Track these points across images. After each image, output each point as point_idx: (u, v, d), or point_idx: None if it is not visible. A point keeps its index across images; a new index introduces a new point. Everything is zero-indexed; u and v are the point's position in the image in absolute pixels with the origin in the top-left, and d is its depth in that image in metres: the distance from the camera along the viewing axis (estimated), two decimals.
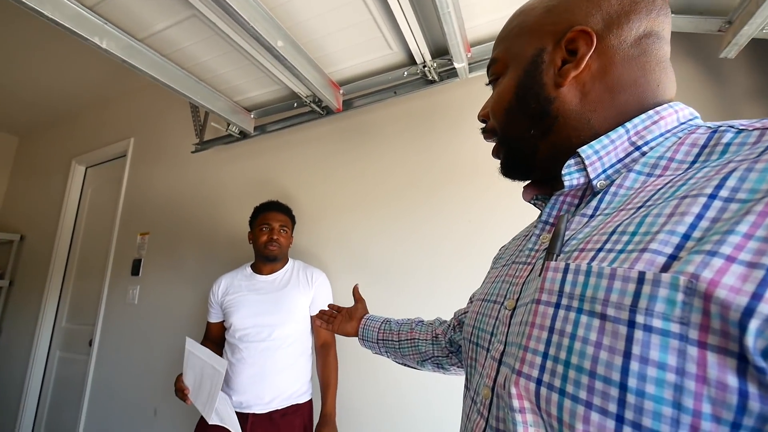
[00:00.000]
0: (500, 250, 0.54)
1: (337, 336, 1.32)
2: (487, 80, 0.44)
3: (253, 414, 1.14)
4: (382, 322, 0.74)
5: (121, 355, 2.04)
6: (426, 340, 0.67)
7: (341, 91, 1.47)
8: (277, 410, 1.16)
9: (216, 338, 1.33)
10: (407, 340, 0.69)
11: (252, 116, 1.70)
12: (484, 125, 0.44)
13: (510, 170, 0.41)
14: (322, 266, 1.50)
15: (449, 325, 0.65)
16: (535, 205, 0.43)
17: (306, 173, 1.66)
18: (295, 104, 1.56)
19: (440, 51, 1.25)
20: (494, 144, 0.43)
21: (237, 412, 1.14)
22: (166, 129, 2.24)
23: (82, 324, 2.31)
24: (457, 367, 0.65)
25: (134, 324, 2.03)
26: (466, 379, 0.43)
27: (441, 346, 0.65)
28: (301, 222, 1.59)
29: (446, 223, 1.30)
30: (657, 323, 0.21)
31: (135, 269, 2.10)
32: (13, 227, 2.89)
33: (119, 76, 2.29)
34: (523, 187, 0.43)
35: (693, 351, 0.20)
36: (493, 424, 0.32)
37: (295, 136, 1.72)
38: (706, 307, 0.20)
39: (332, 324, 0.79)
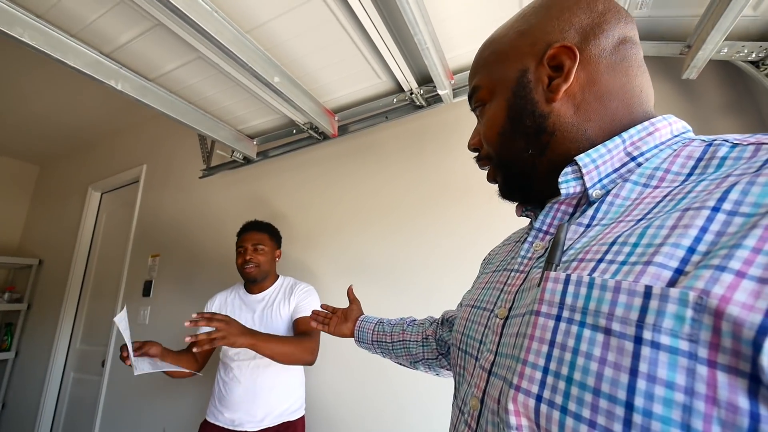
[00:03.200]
0: (489, 253, 0.54)
1: (330, 339, 1.35)
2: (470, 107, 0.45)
3: None
4: (375, 324, 0.75)
5: (132, 374, 2.10)
6: (416, 341, 0.68)
7: (336, 118, 1.57)
8: (269, 428, 1.17)
9: (205, 353, 1.32)
10: (399, 341, 0.70)
11: (255, 143, 1.81)
12: (476, 153, 0.44)
13: (509, 192, 0.41)
14: (319, 281, 1.56)
15: (437, 323, 0.67)
16: (526, 216, 0.42)
17: (305, 193, 1.75)
18: (294, 131, 1.66)
19: (426, 79, 1.34)
20: (489, 171, 0.43)
21: (230, 430, 1.16)
22: (175, 156, 2.37)
23: (96, 345, 2.39)
24: (447, 369, 0.67)
25: None
26: (455, 387, 0.42)
27: (431, 347, 0.66)
28: (299, 238, 1.66)
29: (437, 239, 1.36)
30: (665, 340, 0.21)
31: (146, 290, 2.19)
32: (33, 252, 3.03)
33: (132, 107, 2.44)
34: (516, 204, 0.43)
35: (702, 370, 0.19)
36: None
37: (294, 159, 1.81)
38: (716, 325, 0.19)
39: (328, 325, 0.79)
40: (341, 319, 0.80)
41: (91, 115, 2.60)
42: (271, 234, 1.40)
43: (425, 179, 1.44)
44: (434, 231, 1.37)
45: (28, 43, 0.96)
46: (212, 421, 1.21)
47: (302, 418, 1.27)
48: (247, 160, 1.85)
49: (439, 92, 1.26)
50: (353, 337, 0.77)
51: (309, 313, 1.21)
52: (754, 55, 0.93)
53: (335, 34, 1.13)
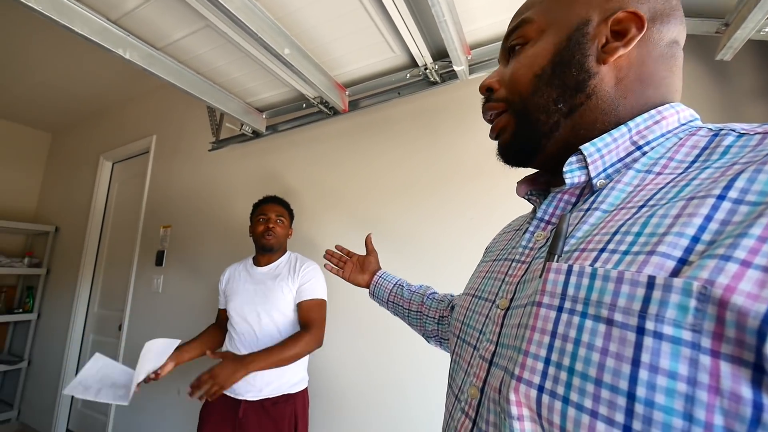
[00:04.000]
0: (491, 242, 0.53)
1: (334, 316, 1.39)
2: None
3: (245, 400, 1.19)
4: (394, 285, 0.77)
5: (148, 339, 2.19)
6: (433, 318, 0.68)
7: (347, 93, 1.53)
8: (268, 398, 1.20)
9: (224, 324, 1.40)
10: (416, 312, 0.71)
11: (264, 116, 1.78)
12: (487, 98, 0.40)
13: (515, 149, 0.38)
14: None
15: (451, 306, 0.67)
16: (529, 200, 0.41)
17: (314, 169, 1.74)
18: (304, 105, 1.62)
19: (441, 53, 1.28)
20: (496, 122, 0.39)
21: (230, 398, 1.20)
22: (184, 128, 2.36)
23: (113, 310, 2.50)
24: None
25: (159, 311, 2.19)
26: (450, 375, 0.42)
27: (445, 328, 0.66)
28: (307, 215, 1.67)
29: (448, 218, 1.35)
30: (668, 330, 0.21)
31: (159, 260, 2.25)
32: (49, 219, 3.12)
33: (140, 75, 2.41)
34: (518, 182, 0.42)
35: (705, 360, 0.19)
36: (483, 428, 0.31)
37: (304, 134, 1.79)
38: (720, 315, 0.19)
39: (343, 270, 0.81)
40: (357, 268, 0.82)
41: (99, 83, 2.58)
42: (289, 210, 1.45)
43: (438, 158, 1.42)
44: (446, 210, 1.36)
45: (33, 8, 0.94)
46: None
47: (303, 392, 1.29)
48: (256, 134, 1.83)
49: (455, 68, 1.21)
50: (368, 288, 0.79)
51: (313, 297, 1.26)
52: None
53: (349, 4, 1.08)
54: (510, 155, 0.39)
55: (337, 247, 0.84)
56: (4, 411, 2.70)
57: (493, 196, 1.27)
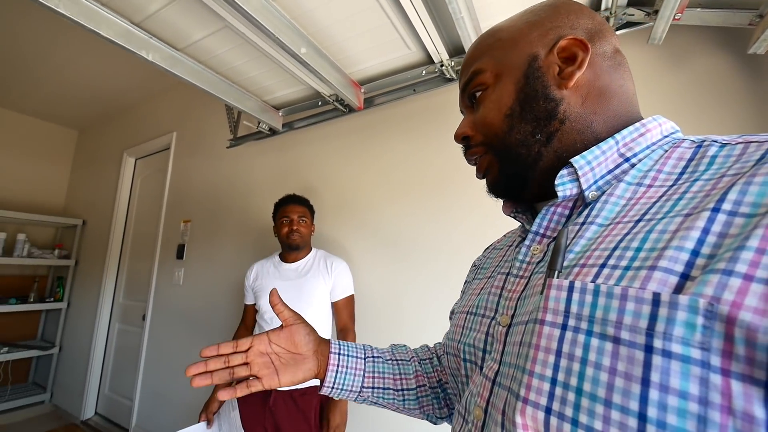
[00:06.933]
0: (478, 259, 0.52)
1: (356, 321, 1.42)
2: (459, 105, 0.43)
3: (276, 391, 1.25)
4: (365, 359, 0.53)
5: (170, 329, 2.29)
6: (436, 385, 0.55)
7: (362, 90, 1.53)
8: (297, 389, 1.25)
9: (250, 319, 1.47)
10: (417, 388, 0.54)
11: (280, 114, 1.80)
12: (465, 145, 0.41)
13: (503, 185, 0.39)
14: (345, 252, 1.60)
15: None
16: (515, 218, 0.41)
17: (330, 166, 1.76)
18: (320, 103, 1.63)
19: (458, 50, 1.27)
20: (479, 163, 0.40)
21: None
22: (203, 125, 2.41)
23: (137, 300, 2.61)
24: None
25: (180, 302, 2.27)
26: (458, 393, 0.41)
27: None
28: (324, 211, 1.69)
29: (461, 216, 1.35)
30: (676, 348, 0.20)
31: (180, 253, 2.33)
32: (77, 213, 3.25)
33: (162, 73, 2.44)
34: (504, 201, 0.42)
35: (716, 379, 0.19)
36: None
37: (320, 131, 1.80)
38: (728, 332, 0.19)
39: (261, 377, 0.46)
40: (283, 360, 0.47)
41: (122, 82, 2.65)
42: (310, 209, 1.49)
43: (452, 154, 1.41)
44: (458, 208, 1.36)
45: (63, 14, 0.98)
46: None
47: None
48: (273, 132, 1.86)
49: None
50: (319, 379, 0.50)
51: (346, 295, 1.37)
52: None
53: (364, 1, 1.08)
54: (500, 191, 0.40)
55: (221, 347, 0.46)
56: (38, 393, 2.87)
57: None
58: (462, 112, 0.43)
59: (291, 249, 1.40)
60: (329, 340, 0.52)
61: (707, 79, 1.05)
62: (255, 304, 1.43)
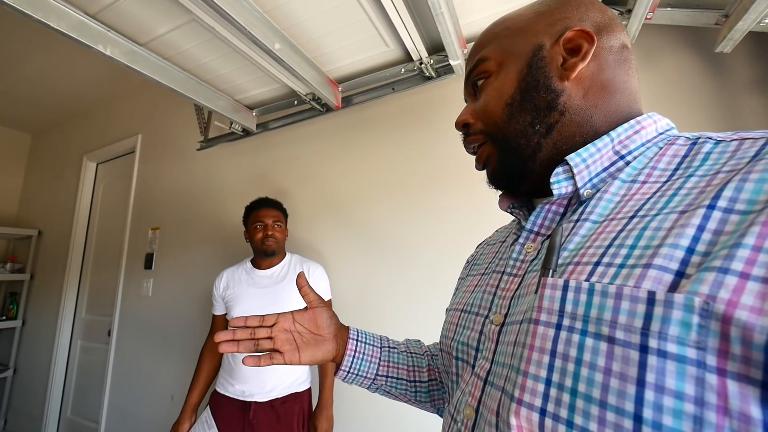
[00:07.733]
0: (471, 256, 0.52)
1: None
2: (463, 90, 0.43)
3: (255, 402, 1.21)
4: (381, 348, 0.54)
5: (139, 344, 2.15)
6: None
7: (340, 89, 1.49)
8: (277, 398, 1.22)
9: (221, 330, 1.39)
10: (430, 381, 0.55)
11: (254, 114, 1.73)
12: (465, 132, 0.41)
13: (503, 175, 0.38)
14: (321, 256, 1.55)
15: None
16: (512, 213, 0.41)
17: (307, 168, 1.70)
18: (295, 102, 1.58)
19: (437, 47, 1.25)
20: (479, 153, 0.40)
21: (239, 401, 1.22)
22: (171, 126, 2.28)
23: (101, 315, 2.43)
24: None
25: (149, 315, 2.13)
26: (448, 393, 0.41)
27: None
28: (301, 215, 1.63)
29: (444, 216, 1.33)
30: (672, 348, 0.20)
31: (148, 263, 2.19)
32: (31, 223, 3.01)
33: (123, 72, 2.31)
34: (500, 196, 0.42)
35: (712, 379, 0.19)
36: None
37: (296, 132, 1.74)
38: (724, 331, 0.19)
39: (283, 352, 0.47)
40: (305, 338, 0.48)
41: (80, 81, 2.48)
42: (284, 213, 1.43)
43: (433, 154, 1.39)
44: (442, 208, 1.34)
45: (5, 2, 0.88)
46: (222, 392, 1.25)
47: (309, 390, 1.32)
48: (247, 132, 1.78)
49: (451, 62, 1.18)
50: (335, 363, 0.51)
51: (325, 300, 1.31)
52: None
53: None
54: (500, 181, 0.39)
55: (249, 320, 0.48)
56: None
57: (490, 191, 1.24)
58: (465, 100, 0.43)
59: (266, 255, 1.33)
60: (348, 326, 0.54)
61: (676, 77, 1.09)
62: (226, 314, 1.35)
